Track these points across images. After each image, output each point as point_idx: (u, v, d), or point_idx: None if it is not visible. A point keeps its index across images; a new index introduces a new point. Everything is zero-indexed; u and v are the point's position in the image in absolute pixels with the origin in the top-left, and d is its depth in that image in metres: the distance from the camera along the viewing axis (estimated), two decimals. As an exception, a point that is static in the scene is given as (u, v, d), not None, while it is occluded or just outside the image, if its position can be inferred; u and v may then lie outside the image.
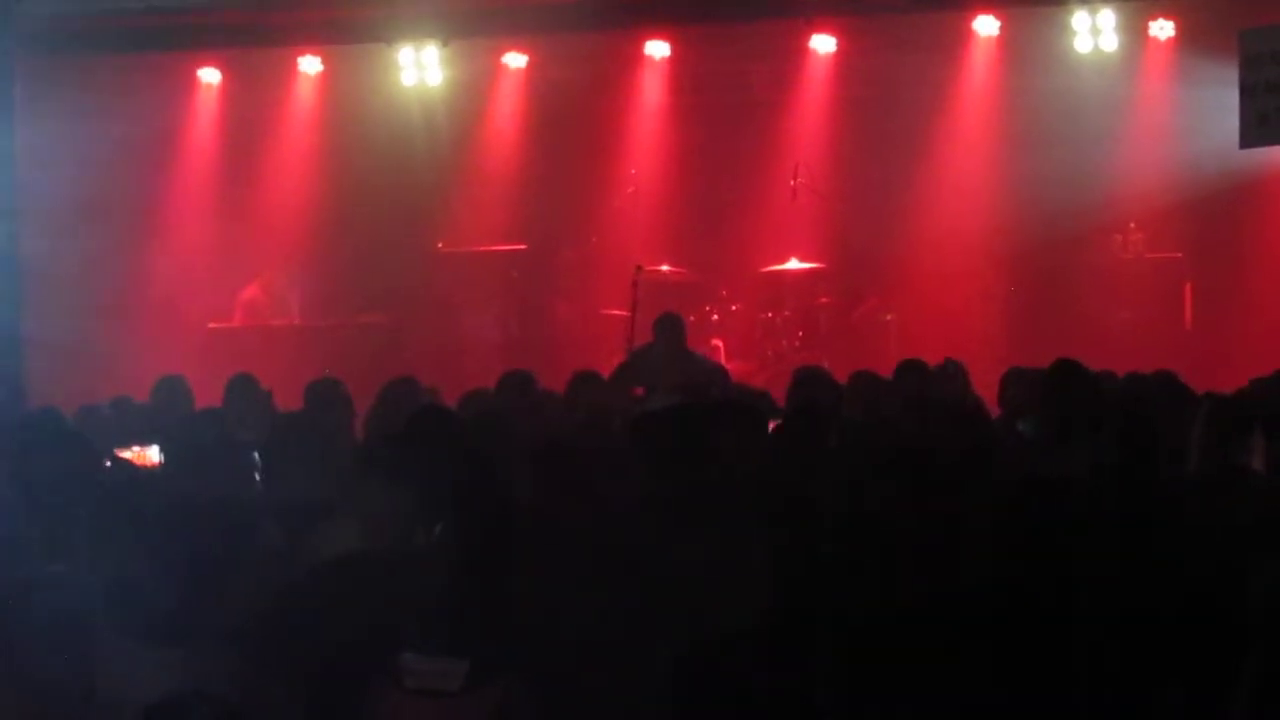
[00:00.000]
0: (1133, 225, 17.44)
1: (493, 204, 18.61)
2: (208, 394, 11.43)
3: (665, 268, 17.54)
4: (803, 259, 17.76)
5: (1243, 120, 11.78)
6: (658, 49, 18.55)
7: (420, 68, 17.98)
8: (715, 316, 17.79)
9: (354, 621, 5.92)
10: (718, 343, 17.38)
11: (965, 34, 17.82)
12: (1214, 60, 14.58)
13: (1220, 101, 13.16)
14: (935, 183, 17.75)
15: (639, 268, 15.79)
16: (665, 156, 18.64)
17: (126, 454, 9.35)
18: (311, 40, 18.37)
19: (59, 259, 16.45)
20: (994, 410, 10.10)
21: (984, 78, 17.90)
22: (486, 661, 5.54)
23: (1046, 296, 17.34)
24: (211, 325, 18.16)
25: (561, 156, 18.27)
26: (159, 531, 6.35)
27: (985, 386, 10.98)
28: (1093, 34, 17.05)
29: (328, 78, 18.84)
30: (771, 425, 8.47)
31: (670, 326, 13.77)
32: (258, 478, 8.20)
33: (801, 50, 18.22)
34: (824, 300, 17.64)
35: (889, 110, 17.86)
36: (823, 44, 18.13)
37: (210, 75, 18.97)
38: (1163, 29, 17.43)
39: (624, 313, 15.73)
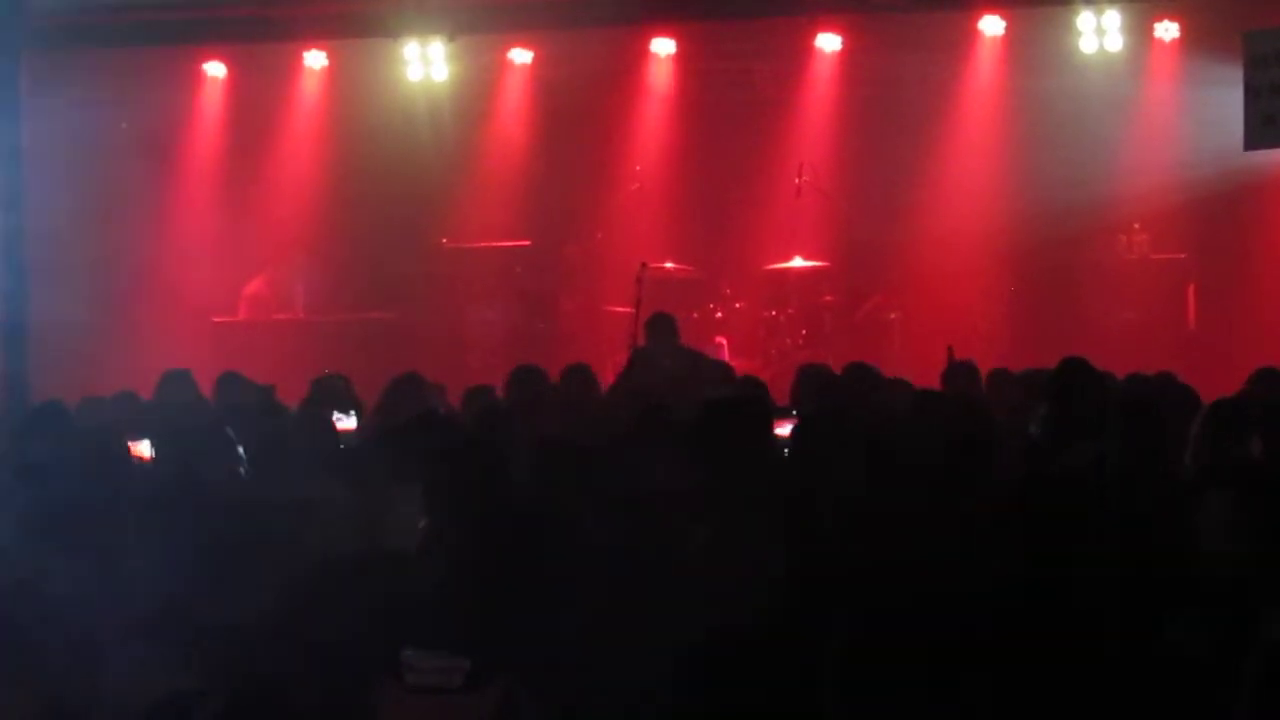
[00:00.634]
0: (1137, 225, 17.44)
1: (497, 200, 18.61)
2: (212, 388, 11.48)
3: (669, 265, 17.55)
4: (807, 257, 17.76)
5: (1247, 122, 11.77)
6: (663, 46, 18.56)
7: (426, 63, 17.95)
8: (719, 314, 17.80)
9: (356, 618, 5.92)
10: (721, 340, 17.38)
11: (971, 33, 17.83)
12: (1219, 61, 14.59)
13: (1225, 103, 13.15)
14: (940, 182, 17.75)
15: (643, 265, 15.79)
16: (670, 154, 18.64)
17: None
18: (317, 35, 18.37)
19: (64, 252, 16.48)
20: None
21: (989, 77, 17.90)
22: (488, 659, 5.54)
23: (1050, 296, 17.35)
24: (216, 319, 18.18)
25: (566, 153, 18.28)
26: (163, 526, 6.37)
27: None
28: (1098, 34, 17.02)
29: (333, 72, 18.86)
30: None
31: (663, 327, 13.74)
32: (241, 471, 8.19)
33: (807, 49, 18.23)
34: (828, 298, 17.64)
35: (894, 109, 17.87)
36: (828, 42, 18.14)
37: (216, 69, 18.99)
38: (1167, 30, 17.44)
39: (628, 309, 15.73)
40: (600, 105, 18.59)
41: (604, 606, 5.99)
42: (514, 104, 18.88)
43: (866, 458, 7.25)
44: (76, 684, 5.48)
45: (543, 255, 18.53)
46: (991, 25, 17.76)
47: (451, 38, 17.76)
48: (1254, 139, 11.84)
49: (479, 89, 18.60)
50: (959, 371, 10.91)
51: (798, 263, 17.74)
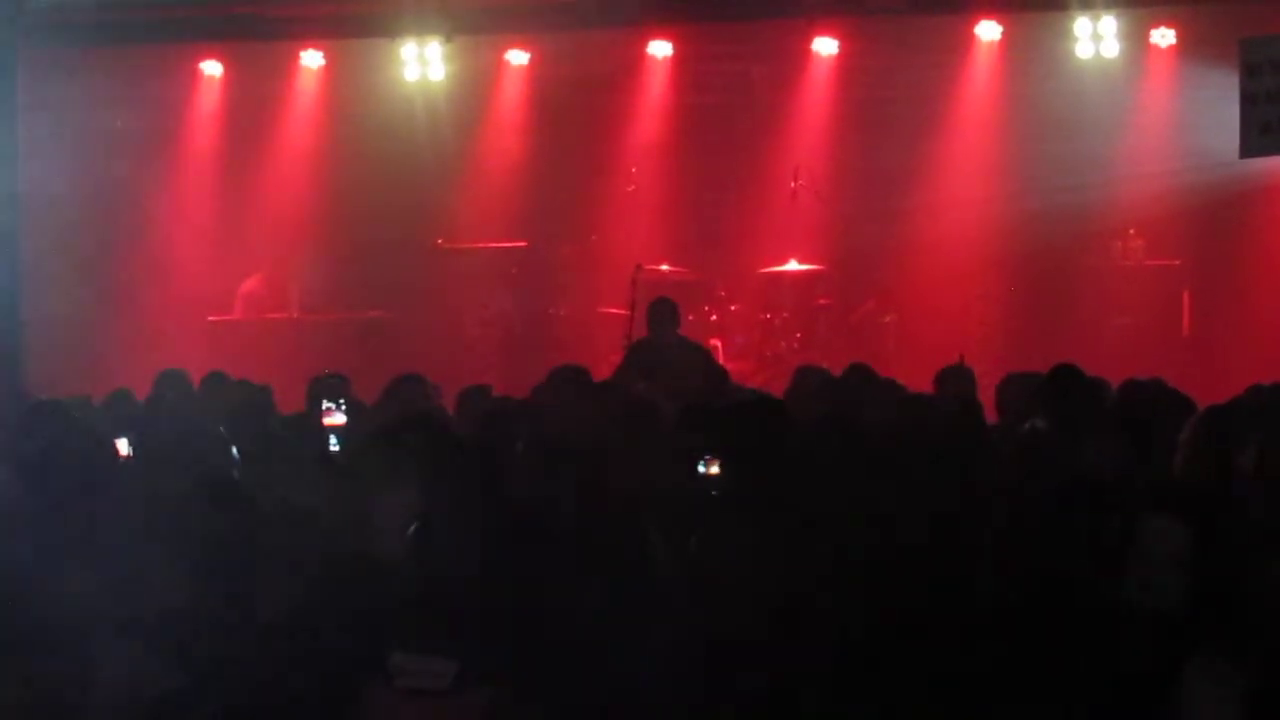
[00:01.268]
0: (1132, 231, 17.46)
1: (493, 201, 18.62)
2: (207, 387, 11.48)
3: (665, 267, 17.56)
4: (802, 260, 17.78)
5: (1243, 129, 11.76)
6: (660, 48, 18.57)
7: (423, 63, 17.98)
8: (714, 317, 17.81)
9: (346, 620, 5.92)
10: (716, 343, 17.39)
11: (967, 39, 17.84)
12: (1215, 68, 14.62)
13: (1221, 110, 13.17)
14: (935, 186, 17.77)
15: (638, 266, 15.82)
16: (666, 156, 18.64)
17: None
18: (314, 34, 18.39)
19: (60, 250, 16.47)
20: (990, 414, 10.11)
21: (985, 82, 17.92)
22: (478, 661, 5.55)
23: (1045, 301, 17.37)
24: (211, 318, 18.18)
25: (562, 154, 18.29)
26: (155, 527, 6.37)
27: (983, 389, 10.99)
28: (1094, 40, 17.05)
29: (330, 72, 18.86)
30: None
31: (665, 314, 13.82)
32: (235, 474, 8.18)
33: (803, 52, 18.24)
34: (823, 301, 17.66)
35: (890, 113, 17.89)
36: (825, 46, 18.15)
37: (212, 68, 18.99)
38: (1164, 36, 17.46)
39: (623, 311, 15.76)
40: (597, 107, 18.60)
41: (598, 609, 6.00)
42: (510, 105, 18.89)
43: (864, 460, 7.26)
44: (71, 681, 5.48)
45: (538, 256, 18.53)
46: (988, 30, 17.77)
47: (449, 38, 17.78)
48: (1250, 146, 11.83)
49: (476, 90, 18.61)
50: (950, 375, 10.91)
51: (793, 266, 17.76)
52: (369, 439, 8.19)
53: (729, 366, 15.45)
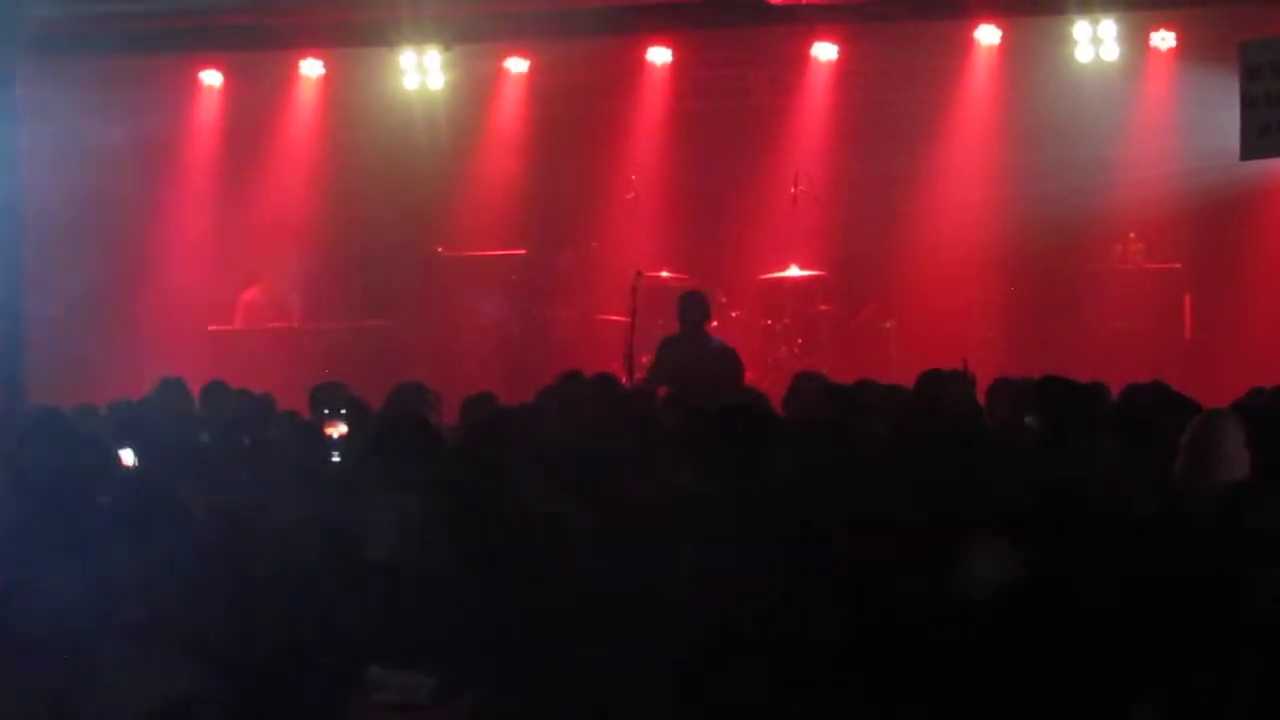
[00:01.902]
0: (1132, 235, 17.44)
1: (493, 208, 18.62)
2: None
3: (665, 274, 17.54)
4: (803, 266, 17.76)
5: (1244, 132, 11.75)
6: (659, 55, 18.57)
7: (422, 72, 17.99)
8: (715, 323, 17.77)
9: (338, 630, 5.91)
10: (717, 349, 17.37)
11: (967, 43, 17.84)
12: (1215, 71, 14.61)
13: (1221, 112, 13.17)
14: (935, 190, 17.77)
15: (639, 273, 15.80)
16: (666, 162, 18.64)
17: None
18: (314, 43, 18.40)
19: (60, 259, 16.47)
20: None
21: (985, 87, 17.91)
22: (473, 670, 5.53)
23: (1046, 305, 17.35)
24: (212, 327, 18.18)
25: (562, 161, 18.29)
26: (154, 535, 6.36)
27: (983, 394, 10.98)
28: (1094, 44, 17.06)
29: (329, 81, 18.87)
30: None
31: (696, 308, 13.97)
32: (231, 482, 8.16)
33: (803, 57, 18.24)
34: (824, 307, 17.65)
35: (890, 118, 17.88)
36: (824, 51, 18.14)
37: (212, 77, 18.99)
38: (1164, 39, 17.45)
39: (623, 318, 15.74)
40: (596, 114, 18.61)
41: (596, 614, 5.97)
42: (510, 113, 18.89)
43: (860, 464, 7.25)
44: (70, 686, 5.47)
45: (538, 264, 18.53)
46: (988, 35, 17.77)
47: (448, 47, 17.80)
48: (1250, 149, 11.82)
49: (475, 98, 18.62)
50: (945, 380, 10.88)
51: (794, 272, 17.74)
52: (371, 447, 8.20)
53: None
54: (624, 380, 14.47)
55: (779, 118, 18.46)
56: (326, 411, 10.29)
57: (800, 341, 17.40)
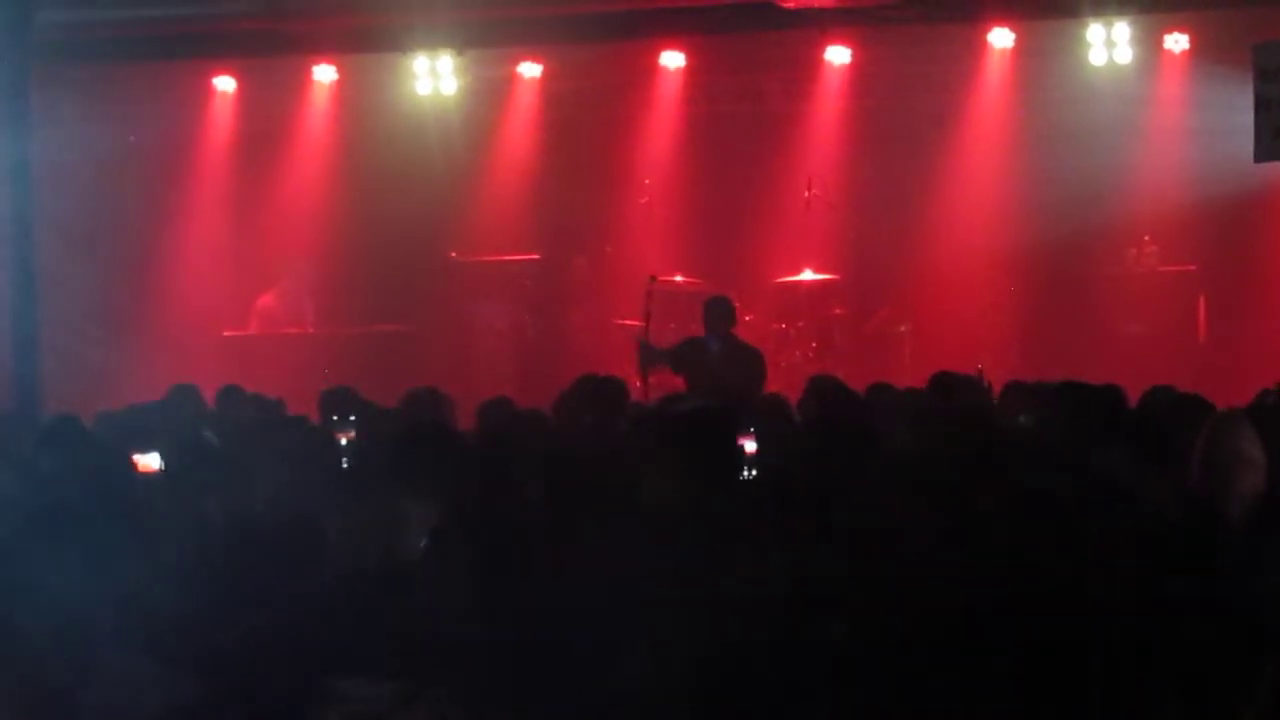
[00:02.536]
0: (1147, 238, 17.43)
1: (506, 213, 18.63)
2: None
3: (679, 278, 17.55)
4: (817, 270, 17.76)
5: (1257, 134, 11.73)
6: (672, 59, 18.58)
7: (435, 77, 18.02)
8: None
9: (290, 644, 5.88)
10: (731, 353, 17.37)
11: (980, 46, 17.84)
12: (1229, 73, 14.60)
13: (1234, 115, 13.15)
14: (949, 194, 17.76)
15: (652, 278, 15.81)
16: (679, 167, 18.65)
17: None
18: (327, 49, 18.42)
19: (75, 266, 16.49)
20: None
21: (998, 90, 17.91)
22: (414, 679, 5.49)
23: (1060, 308, 17.33)
24: (226, 333, 18.21)
25: (575, 166, 18.30)
26: (166, 541, 6.36)
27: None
28: (1107, 47, 17.06)
29: (342, 86, 18.89)
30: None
31: (718, 313, 13.99)
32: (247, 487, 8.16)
33: (816, 61, 18.24)
34: (838, 311, 17.64)
35: (904, 122, 17.88)
36: (838, 55, 18.13)
37: (225, 83, 19.02)
38: (1177, 42, 17.43)
39: (637, 323, 15.75)
40: (609, 119, 18.63)
41: (599, 618, 5.95)
42: (523, 117, 18.91)
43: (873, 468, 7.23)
44: (67, 688, 5.47)
45: (551, 268, 18.54)
46: (1001, 38, 17.77)
47: (460, 51, 17.84)
48: (1264, 151, 11.79)
49: (488, 102, 18.65)
50: (960, 384, 10.86)
51: (807, 275, 17.74)
52: (385, 453, 8.18)
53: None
54: (637, 385, 14.50)
55: (792, 122, 18.47)
56: (335, 417, 10.27)
57: (814, 345, 17.39)
